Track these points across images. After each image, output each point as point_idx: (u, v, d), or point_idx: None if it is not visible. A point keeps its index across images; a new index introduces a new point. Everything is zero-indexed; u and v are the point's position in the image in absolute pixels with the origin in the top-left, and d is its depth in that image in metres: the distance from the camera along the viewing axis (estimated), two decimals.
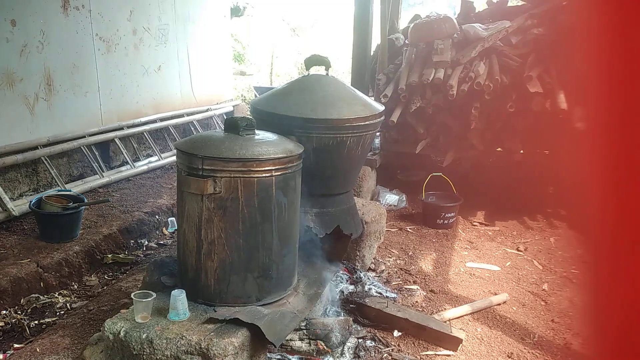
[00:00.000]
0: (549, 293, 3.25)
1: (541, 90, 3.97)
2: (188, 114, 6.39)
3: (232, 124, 2.41)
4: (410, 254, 3.74)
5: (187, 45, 6.45)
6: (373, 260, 3.52)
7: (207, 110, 6.76)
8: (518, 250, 3.83)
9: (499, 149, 4.66)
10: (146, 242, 4.05)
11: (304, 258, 2.79)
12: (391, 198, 4.64)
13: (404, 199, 4.71)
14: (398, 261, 3.62)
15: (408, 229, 4.18)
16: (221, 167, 2.21)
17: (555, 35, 4.32)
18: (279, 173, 2.31)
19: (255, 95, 8.41)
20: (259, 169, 2.25)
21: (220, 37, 7.24)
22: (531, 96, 4.03)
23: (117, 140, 5.22)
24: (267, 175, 2.27)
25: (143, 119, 5.67)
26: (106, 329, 2.16)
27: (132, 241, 3.98)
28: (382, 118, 3.09)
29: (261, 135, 2.45)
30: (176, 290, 2.22)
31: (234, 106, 7.29)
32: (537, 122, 4.24)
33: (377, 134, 4.75)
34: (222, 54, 7.33)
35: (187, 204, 2.31)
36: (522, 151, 4.49)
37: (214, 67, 7.04)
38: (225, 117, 6.88)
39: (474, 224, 4.32)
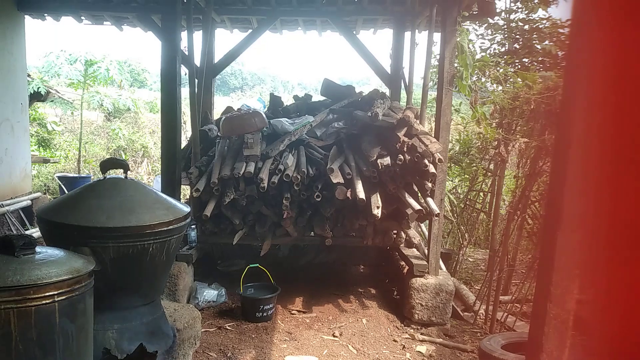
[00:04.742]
0: None
1: (342, 180, 4.29)
2: None
3: (7, 244, 2.13)
4: (229, 355, 3.59)
5: None
6: None
7: None
8: (334, 336, 3.93)
9: (312, 234, 4.86)
10: None
11: None
12: (210, 294, 4.47)
13: (224, 292, 4.58)
14: None
15: (227, 327, 4.03)
16: None
17: (353, 128, 4.78)
18: (64, 297, 2.07)
19: (60, 186, 7.70)
20: (37, 295, 1.99)
21: (16, 125, 6.56)
22: (334, 185, 4.33)
23: None
24: (48, 302, 2.02)
25: None
26: None
27: None
28: (189, 220, 3.02)
29: (43, 253, 2.20)
30: None
31: (32, 200, 6.53)
32: (343, 208, 4.55)
33: (193, 227, 4.64)
34: (18, 142, 6.62)
35: None
36: (331, 234, 4.73)
37: (8, 158, 6.29)
38: (21, 213, 6.13)
39: (293, 312, 4.36)
